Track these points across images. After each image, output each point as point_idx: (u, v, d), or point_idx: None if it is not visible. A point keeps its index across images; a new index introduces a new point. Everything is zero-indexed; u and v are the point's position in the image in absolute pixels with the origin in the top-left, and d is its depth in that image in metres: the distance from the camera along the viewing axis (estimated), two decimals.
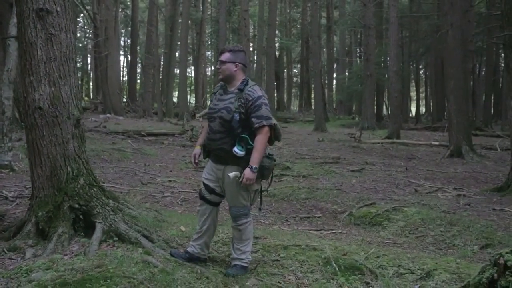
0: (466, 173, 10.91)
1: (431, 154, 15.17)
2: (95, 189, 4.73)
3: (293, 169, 10.26)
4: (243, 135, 3.93)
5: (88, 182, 4.72)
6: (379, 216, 6.54)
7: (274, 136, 4.17)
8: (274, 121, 4.08)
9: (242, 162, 3.97)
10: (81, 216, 4.58)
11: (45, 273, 3.63)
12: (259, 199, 4.27)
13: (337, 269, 4.18)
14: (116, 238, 4.47)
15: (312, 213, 7.20)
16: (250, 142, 3.93)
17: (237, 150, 3.91)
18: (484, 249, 5.43)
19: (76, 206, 4.55)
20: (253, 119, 3.92)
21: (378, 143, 17.89)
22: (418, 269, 4.21)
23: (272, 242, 4.92)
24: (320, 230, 6.29)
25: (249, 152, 3.94)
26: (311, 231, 6.18)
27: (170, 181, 8.98)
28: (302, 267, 4.27)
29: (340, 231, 6.24)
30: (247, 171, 3.88)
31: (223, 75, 4.15)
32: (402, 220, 6.34)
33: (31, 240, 4.48)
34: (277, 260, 4.46)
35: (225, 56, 4.14)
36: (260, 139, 3.92)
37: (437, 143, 17.82)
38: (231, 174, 4.00)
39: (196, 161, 4.39)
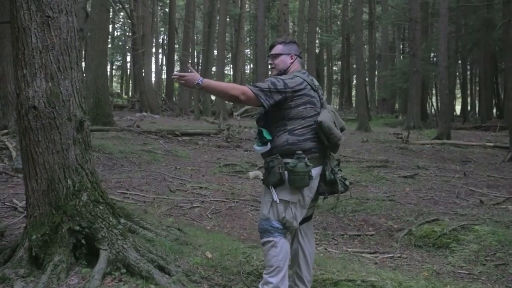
0: None
1: (488, 156, 13.83)
2: (101, 207, 3.87)
3: None
4: (260, 128, 3.36)
5: (93, 199, 3.86)
6: (446, 237, 5.44)
7: (327, 139, 3.26)
8: (321, 118, 3.30)
9: (268, 159, 3.29)
10: (83, 241, 3.73)
11: None
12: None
13: None
14: (124, 270, 3.59)
15: (363, 229, 6.17)
16: (265, 135, 3.31)
17: (255, 146, 3.39)
18: None
19: (77, 228, 3.71)
20: None
21: (427, 144, 16.62)
22: None
23: (319, 275, 3.94)
24: (375, 253, 5.27)
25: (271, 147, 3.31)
26: (363, 254, 5.17)
27: (201, 187, 8.08)
28: None
29: (399, 254, 5.19)
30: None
31: (277, 70, 3.50)
32: (474, 242, 5.23)
33: (22, 269, 3.65)
34: None
35: (278, 48, 3.52)
36: (232, 84, 3.44)
37: (491, 144, 16.43)
38: (251, 174, 3.23)
39: None
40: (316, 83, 3.49)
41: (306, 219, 3.51)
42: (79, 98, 3.89)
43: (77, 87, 3.88)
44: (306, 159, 3.18)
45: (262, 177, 3.40)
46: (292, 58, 3.49)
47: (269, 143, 3.30)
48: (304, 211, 3.35)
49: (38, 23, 3.69)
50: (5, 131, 10.22)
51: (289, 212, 3.25)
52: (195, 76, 3.28)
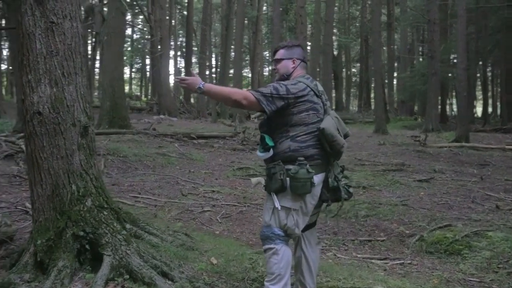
0: None
1: (507, 160, 13.55)
2: (105, 212, 3.86)
3: (351, 179, 9.01)
4: (262, 134, 3.29)
5: (97, 204, 3.86)
6: (458, 243, 5.33)
7: (329, 146, 3.21)
8: (324, 125, 3.23)
9: (270, 166, 3.24)
10: (87, 246, 3.72)
11: None
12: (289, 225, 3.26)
13: None
14: (127, 276, 3.58)
15: (374, 235, 6.08)
16: (267, 141, 3.27)
17: (258, 153, 3.36)
18: None
19: (81, 233, 3.70)
20: None
21: (445, 147, 16.36)
22: None
23: (324, 282, 3.88)
24: (385, 259, 5.18)
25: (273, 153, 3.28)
26: (373, 261, 5.09)
27: (213, 191, 8.06)
28: None
29: (409, 261, 5.10)
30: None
31: (279, 75, 3.46)
32: (486, 249, 5.12)
33: (28, 274, 3.66)
34: None
35: (280, 53, 3.49)
36: (234, 89, 3.36)
37: (511, 147, 16.13)
38: (253, 180, 3.21)
39: None
40: (320, 88, 3.43)
41: (309, 226, 3.47)
42: (83, 103, 3.89)
43: (82, 92, 3.89)
44: (308, 166, 3.14)
45: (264, 183, 3.37)
46: (294, 63, 3.44)
47: (271, 150, 3.27)
48: (306, 218, 3.30)
49: (42, 29, 3.70)
50: (21, 134, 10.32)
51: (290, 219, 3.20)
52: (196, 80, 3.25)
